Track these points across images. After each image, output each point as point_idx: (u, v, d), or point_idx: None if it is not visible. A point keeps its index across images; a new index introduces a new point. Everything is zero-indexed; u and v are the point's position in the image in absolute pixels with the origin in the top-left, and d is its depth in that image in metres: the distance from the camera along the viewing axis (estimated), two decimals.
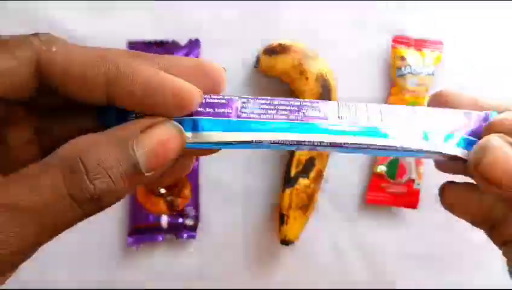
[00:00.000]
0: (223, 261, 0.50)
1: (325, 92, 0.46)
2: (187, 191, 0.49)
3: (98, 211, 0.17)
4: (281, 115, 0.21)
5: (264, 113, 0.21)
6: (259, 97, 0.21)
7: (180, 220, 0.49)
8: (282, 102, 0.21)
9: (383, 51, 0.50)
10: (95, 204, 0.16)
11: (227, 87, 0.22)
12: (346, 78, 0.48)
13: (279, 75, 0.47)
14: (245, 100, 0.21)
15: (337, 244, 0.50)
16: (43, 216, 0.16)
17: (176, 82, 0.18)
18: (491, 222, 0.21)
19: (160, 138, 0.17)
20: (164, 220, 0.48)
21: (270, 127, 0.20)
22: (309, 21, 0.49)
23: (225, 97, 0.21)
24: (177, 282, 0.49)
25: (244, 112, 0.21)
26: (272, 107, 0.21)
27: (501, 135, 0.18)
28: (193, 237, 0.49)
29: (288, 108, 0.21)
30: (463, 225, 0.25)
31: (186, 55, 0.48)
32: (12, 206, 0.15)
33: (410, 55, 0.48)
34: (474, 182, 0.20)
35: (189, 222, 0.49)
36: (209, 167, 0.49)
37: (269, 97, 0.21)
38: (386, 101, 0.49)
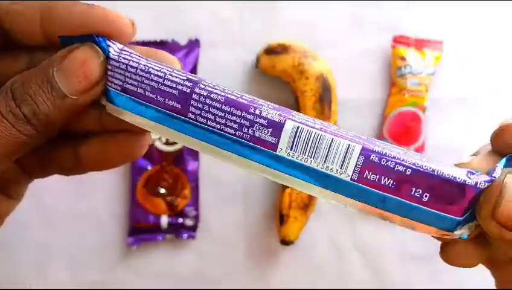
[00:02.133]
0: (223, 261, 0.50)
1: (325, 92, 0.46)
2: (187, 191, 0.49)
3: (36, 134, 0.19)
4: (228, 127, 0.18)
5: (210, 119, 0.18)
6: (217, 91, 0.19)
7: (180, 220, 0.49)
8: (234, 110, 0.18)
9: (383, 51, 0.50)
10: (27, 124, 0.18)
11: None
12: (346, 78, 0.48)
13: (279, 75, 0.47)
14: (200, 93, 0.19)
15: (337, 244, 0.50)
16: None
17: (107, 10, 0.19)
18: (493, 266, 0.21)
19: (78, 58, 0.19)
20: (164, 220, 0.48)
21: (206, 137, 0.19)
22: (309, 21, 0.49)
23: (185, 84, 0.19)
24: (177, 282, 0.49)
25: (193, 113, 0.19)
26: (223, 114, 0.18)
27: None
28: (193, 237, 0.49)
29: (239, 120, 0.18)
30: None
31: (186, 55, 0.48)
32: None
33: (410, 55, 0.48)
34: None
35: (189, 222, 0.49)
36: (209, 167, 0.49)
37: (229, 96, 0.19)
38: (386, 101, 0.49)
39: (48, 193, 0.48)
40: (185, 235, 0.48)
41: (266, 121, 0.18)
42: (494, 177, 0.17)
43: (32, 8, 0.19)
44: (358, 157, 0.17)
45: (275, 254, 0.50)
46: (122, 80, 0.19)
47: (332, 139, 0.17)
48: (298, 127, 0.18)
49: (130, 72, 0.19)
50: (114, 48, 0.19)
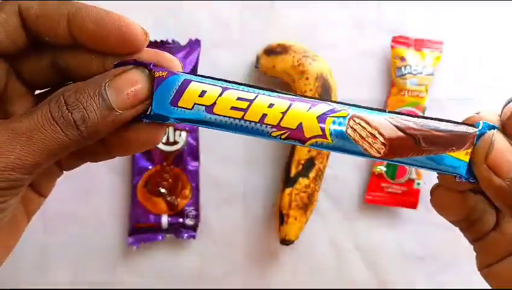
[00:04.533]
0: (223, 261, 0.50)
1: (325, 92, 0.46)
2: (187, 191, 0.49)
3: (80, 139, 0.20)
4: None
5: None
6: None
7: (180, 220, 0.49)
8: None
9: (383, 51, 0.50)
10: (74, 129, 0.20)
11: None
12: (346, 78, 0.48)
13: (279, 75, 0.47)
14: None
15: (337, 244, 0.50)
16: (34, 137, 0.20)
17: (122, 17, 0.21)
18: (469, 221, 0.25)
19: (129, 79, 0.21)
20: (164, 220, 0.48)
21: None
22: (309, 21, 0.49)
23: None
24: (177, 282, 0.49)
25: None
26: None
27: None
28: (193, 237, 0.49)
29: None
30: None
31: (187, 55, 0.48)
32: (10, 128, 0.20)
33: (410, 55, 0.48)
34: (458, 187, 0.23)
35: (189, 222, 0.49)
36: (209, 167, 0.49)
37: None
38: (386, 101, 0.49)
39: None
40: (185, 235, 0.49)
41: None
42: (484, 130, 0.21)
43: (60, 14, 0.21)
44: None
45: (274, 254, 0.50)
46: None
47: None
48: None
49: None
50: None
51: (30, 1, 0.21)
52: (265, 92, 0.21)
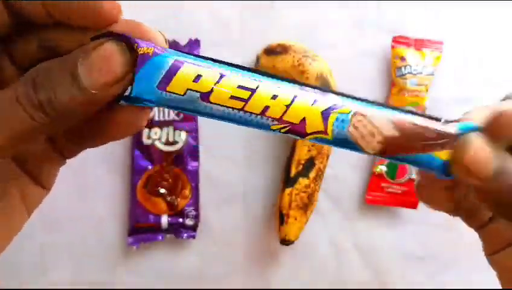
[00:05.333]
0: (223, 261, 0.50)
1: None
2: (187, 191, 0.49)
3: (48, 123, 0.19)
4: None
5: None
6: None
7: (180, 220, 0.49)
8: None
9: (383, 51, 0.50)
10: (40, 111, 0.18)
11: None
12: (346, 78, 0.48)
13: None
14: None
15: (337, 244, 0.50)
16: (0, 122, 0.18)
17: None
18: (466, 210, 0.24)
19: (103, 54, 0.19)
20: (164, 220, 0.48)
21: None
22: (309, 21, 0.49)
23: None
24: (177, 282, 0.49)
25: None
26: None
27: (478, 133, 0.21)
28: (193, 237, 0.49)
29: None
30: (462, 225, 0.25)
31: None
32: None
33: (410, 55, 0.48)
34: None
35: (189, 222, 0.49)
36: (209, 167, 0.49)
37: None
38: (386, 101, 0.49)
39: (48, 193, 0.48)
40: (185, 235, 0.48)
41: None
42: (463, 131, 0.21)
43: None
44: None
45: (274, 254, 0.50)
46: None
47: None
48: None
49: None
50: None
51: None
52: (267, 78, 0.19)
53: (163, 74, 0.19)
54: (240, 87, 0.19)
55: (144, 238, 0.48)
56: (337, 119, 0.20)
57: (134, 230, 0.48)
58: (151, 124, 0.48)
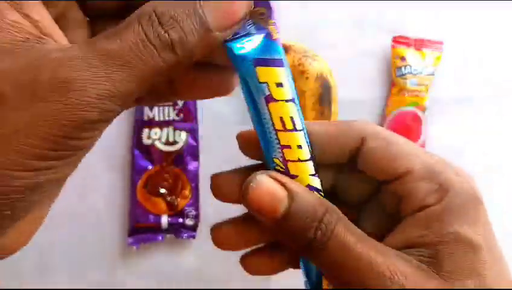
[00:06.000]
0: (223, 261, 0.50)
1: (325, 92, 0.46)
2: (187, 191, 0.49)
3: (175, 64, 0.18)
4: None
5: None
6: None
7: (180, 220, 0.49)
8: None
9: (383, 51, 0.50)
10: (170, 52, 0.18)
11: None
12: (346, 78, 0.48)
13: None
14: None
15: None
16: (129, 60, 0.17)
17: None
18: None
19: None
20: (164, 220, 0.48)
21: None
22: (309, 21, 0.49)
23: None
24: (177, 282, 0.49)
25: None
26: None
27: (268, 172, 0.21)
28: (193, 237, 0.49)
29: None
30: None
31: None
32: (101, 52, 0.17)
33: (410, 55, 0.48)
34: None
35: (189, 222, 0.49)
36: (209, 167, 0.49)
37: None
38: (386, 101, 0.49)
39: None
40: (185, 235, 0.48)
41: None
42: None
43: None
44: None
45: None
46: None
47: None
48: None
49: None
50: None
51: None
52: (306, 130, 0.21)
53: (267, 57, 0.20)
54: (291, 118, 0.20)
55: (144, 239, 0.48)
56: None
57: (134, 230, 0.48)
58: (151, 124, 0.48)
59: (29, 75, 0.16)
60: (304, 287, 0.26)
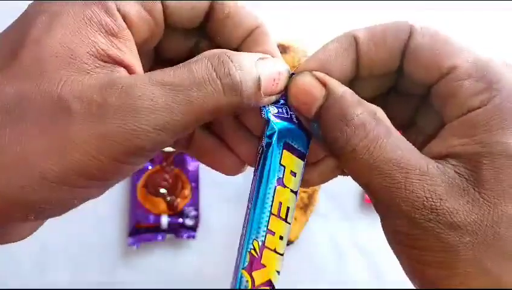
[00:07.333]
0: (223, 261, 0.50)
1: None
2: (187, 191, 0.49)
3: (234, 107, 0.18)
4: None
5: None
6: None
7: (180, 220, 0.49)
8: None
9: None
10: (235, 94, 0.18)
11: None
12: None
13: None
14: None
15: (337, 244, 0.50)
16: (191, 94, 0.17)
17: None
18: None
19: (277, 68, 0.20)
20: (164, 220, 0.48)
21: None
22: (309, 21, 0.49)
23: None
24: (177, 282, 0.49)
25: None
26: None
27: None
28: (193, 237, 0.49)
29: None
30: None
31: None
32: (166, 83, 0.17)
33: None
34: None
35: (189, 222, 0.49)
36: (209, 167, 0.49)
37: None
38: None
39: None
40: (185, 235, 0.49)
41: None
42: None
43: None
44: None
45: None
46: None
47: None
48: None
49: None
50: None
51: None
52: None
53: (295, 147, 0.21)
54: (288, 208, 0.22)
55: (144, 239, 0.48)
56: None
57: (135, 230, 0.48)
58: None
59: (98, 97, 0.17)
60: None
